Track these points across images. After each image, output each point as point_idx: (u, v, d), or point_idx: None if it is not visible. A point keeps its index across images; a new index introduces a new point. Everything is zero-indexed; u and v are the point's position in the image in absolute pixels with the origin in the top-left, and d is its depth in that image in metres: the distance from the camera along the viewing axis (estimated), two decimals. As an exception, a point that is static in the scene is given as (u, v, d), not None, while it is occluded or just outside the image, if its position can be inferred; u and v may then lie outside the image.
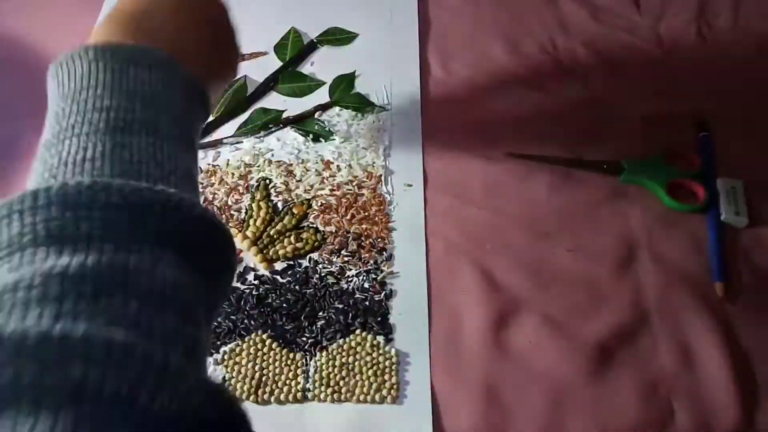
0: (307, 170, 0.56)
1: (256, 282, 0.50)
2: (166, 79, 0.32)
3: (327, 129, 0.59)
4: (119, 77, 0.31)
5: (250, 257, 0.51)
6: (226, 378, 0.46)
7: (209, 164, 0.57)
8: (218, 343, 0.47)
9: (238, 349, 0.47)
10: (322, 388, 0.45)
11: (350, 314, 0.48)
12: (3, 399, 0.18)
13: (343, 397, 0.45)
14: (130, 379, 0.19)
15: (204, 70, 0.36)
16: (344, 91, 0.62)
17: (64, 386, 0.19)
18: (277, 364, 0.46)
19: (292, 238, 0.52)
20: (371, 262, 0.51)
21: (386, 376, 0.45)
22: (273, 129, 0.59)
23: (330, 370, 0.46)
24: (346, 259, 0.51)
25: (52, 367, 0.19)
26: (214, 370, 0.46)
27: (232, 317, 0.48)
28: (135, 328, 0.22)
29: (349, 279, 0.50)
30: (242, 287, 0.50)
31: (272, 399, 0.45)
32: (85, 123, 0.28)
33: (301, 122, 0.60)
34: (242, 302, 0.49)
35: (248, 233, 0.52)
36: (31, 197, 0.23)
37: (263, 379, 0.46)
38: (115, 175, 0.26)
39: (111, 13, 0.36)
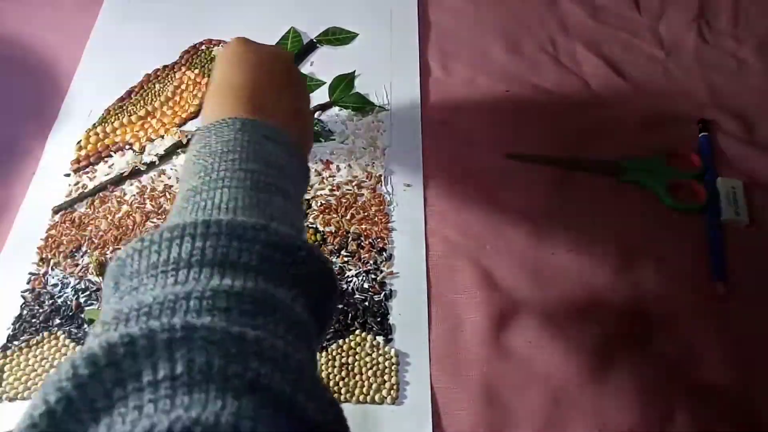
0: (307, 170, 0.56)
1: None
2: (289, 154, 0.38)
3: (326, 129, 0.59)
4: (258, 148, 0.36)
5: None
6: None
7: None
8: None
9: (237, 350, 0.47)
10: (322, 389, 0.45)
11: (350, 314, 0.48)
12: (196, 379, 0.21)
13: (342, 397, 0.44)
14: (291, 382, 0.23)
15: (304, 142, 0.43)
16: (344, 91, 0.62)
17: (244, 377, 0.22)
18: (276, 364, 0.46)
19: None
20: (371, 262, 0.50)
21: (386, 377, 0.45)
22: (272, 129, 0.59)
23: (330, 370, 0.45)
24: (345, 259, 0.51)
25: (234, 359, 0.22)
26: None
27: (231, 317, 0.48)
28: (288, 344, 0.25)
29: (349, 279, 0.50)
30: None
31: (272, 399, 0.45)
32: (233, 179, 0.33)
33: (301, 122, 0.60)
34: (242, 302, 0.49)
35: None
36: (203, 225, 0.27)
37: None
38: (263, 218, 0.30)
39: (222, 84, 0.43)
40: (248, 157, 0.34)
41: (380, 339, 0.47)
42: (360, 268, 0.50)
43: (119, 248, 0.52)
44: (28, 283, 0.50)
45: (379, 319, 0.48)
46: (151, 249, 0.27)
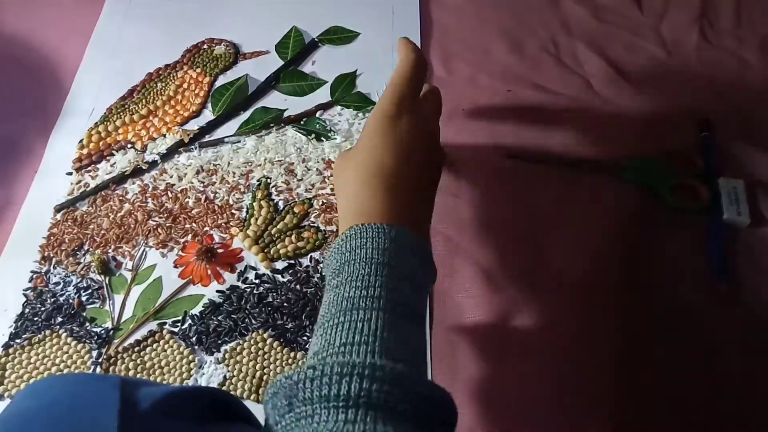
0: (308, 169, 0.56)
1: (257, 281, 0.50)
2: (424, 270, 0.39)
3: (328, 128, 0.59)
4: (407, 263, 0.37)
5: (251, 256, 0.51)
6: (227, 377, 0.46)
7: (210, 163, 0.57)
8: (219, 342, 0.47)
9: (239, 348, 0.47)
10: (323, 387, 0.45)
11: (351, 313, 0.48)
12: None
13: (343, 396, 0.44)
14: None
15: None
16: (345, 90, 0.62)
17: None
18: (278, 362, 0.46)
19: (293, 237, 0.52)
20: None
21: (387, 376, 0.45)
22: (274, 128, 0.59)
23: (331, 369, 0.45)
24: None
25: None
26: (215, 369, 0.46)
27: (233, 316, 0.48)
28: None
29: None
30: (243, 286, 0.50)
31: (273, 398, 0.45)
32: (389, 300, 0.35)
33: (303, 121, 0.60)
34: (243, 301, 0.49)
35: (249, 232, 0.52)
36: (370, 368, 0.30)
37: (264, 377, 0.46)
38: (407, 361, 0.33)
39: (373, 168, 0.41)
40: (400, 274, 0.37)
41: (381, 338, 0.47)
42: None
43: (121, 247, 0.52)
44: (30, 281, 0.50)
45: (380, 318, 0.48)
46: (323, 380, 0.30)
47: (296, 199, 0.54)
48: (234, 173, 0.56)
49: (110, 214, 0.54)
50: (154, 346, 0.47)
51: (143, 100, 0.62)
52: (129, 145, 0.58)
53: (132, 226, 0.53)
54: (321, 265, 0.39)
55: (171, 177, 0.56)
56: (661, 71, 0.63)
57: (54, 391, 0.32)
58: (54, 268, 0.51)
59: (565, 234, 0.52)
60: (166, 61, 0.65)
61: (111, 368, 0.46)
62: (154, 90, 0.62)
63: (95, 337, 0.47)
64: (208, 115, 0.61)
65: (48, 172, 0.57)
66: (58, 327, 0.48)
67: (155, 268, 0.51)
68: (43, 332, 0.48)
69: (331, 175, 0.56)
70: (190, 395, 0.34)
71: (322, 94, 0.62)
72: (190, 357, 0.46)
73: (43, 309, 0.49)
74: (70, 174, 0.57)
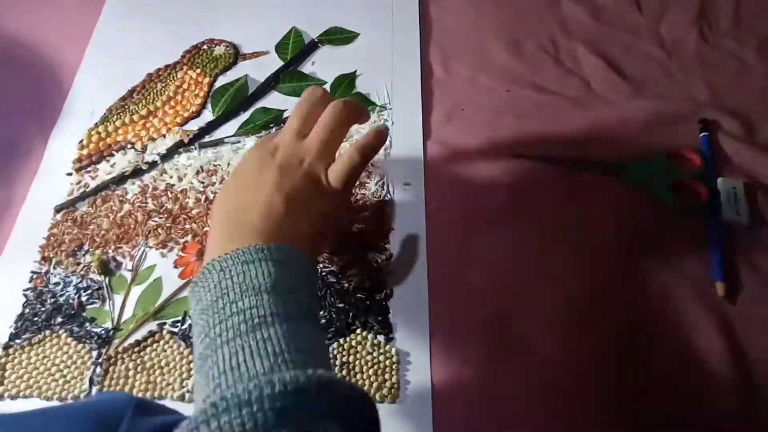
0: (308, 170, 0.56)
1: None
2: (286, 267, 0.38)
3: (328, 128, 0.59)
4: (243, 278, 0.36)
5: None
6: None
7: (210, 163, 0.57)
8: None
9: (238, 348, 0.47)
10: (323, 388, 0.45)
11: (350, 314, 0.48)
12: None
13: (343, 396, 0.44)
14: None
15: (312, 247, 0.42)
16: (345, 91, 0.62)
17: None
18: (277, 363, 0.46)
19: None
20: (372, 261, 0.51)
21: (386, 376, 0.45)
22: (274, 128, 0.59)
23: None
24: (346, 258, 0.51)
25: None
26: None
27: (232, 316, 0.48)
28: None
29: (350, 278, 0.50)
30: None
31: (273, 398, 0.45)
32: (228, 330, 0.34)
33: (302, 122, 0.60)
34: (243, 301, 0.49)
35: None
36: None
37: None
38: (267, 370, 0.31)
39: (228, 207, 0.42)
40: (235, 295, 0.35)
41: (381, 338, 0.47)
42: (361, 267, 0.50)
43: (121, 247, 0.52)
44: (30, 281, 0.50)
45: (379, 318, 0.48)
46: (227, 415, 0.28)
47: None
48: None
49: (110, 215, 0.54)
50: (154, 346, 0.47)
51: (143, 101, 0.62)
52: (129, 146, 0.58)
53: (132, 226, 0.53)
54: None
55: (171, 177, 0.56)
56: (660, 72, 0.63)
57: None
58: (54, 268, 0.51)
59: (565, 233, 0.52)
60: (166, 62, 0.65)
61: (111, 368, 0.46)
62: (154, 90, 0.62)
63: (95, 338, 0.47)
64: (207, 115, 0.61)
65: (48, 173, 0.57)
66: (58, 327, 0.48)
67: (155, 268, 0.51)
68: (43, 332, 0.48)
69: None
70: None
71: (322, 95, 0.62)
72: (190, 357, 0.47)
73: (43, 309, 0.49)
74: (70, 174, 0.57)
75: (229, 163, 0.57)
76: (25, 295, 0.50)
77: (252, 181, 0.42)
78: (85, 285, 0.50)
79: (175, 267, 0.51)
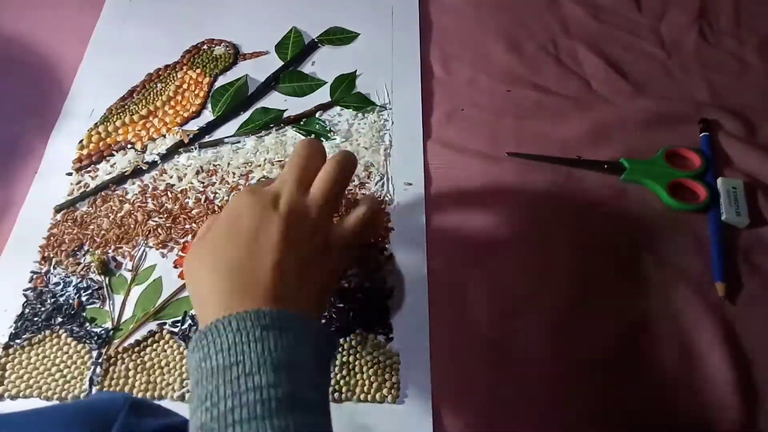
0: (308, 170, 0.56)
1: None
2: (300, 339, 0.35)
3: (328, 128, 0.59)
4: (262, 347, 0.33)
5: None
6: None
7: (210, 164, 0.57)
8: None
9: (238, 348, 0.47)
10: (323, 388, 0.45)
11: (351, 314, 0.48)
12: None
13: (343, 396, 0.45)
14: None
15: (320, 308, 0.41)
16: (345, 91, 0.62)
17: None
18: (277, 363, 0.46)
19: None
20: (372, 261, 0.51)
21: (387, 376, 0.45)
22: (274, 128, 0.59)
23: (330, 369, 0.46)
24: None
25: None
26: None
27: (232, 316, 0.48)
28: None
29: (350, 278, 0.50)
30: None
31: (273, 398, 0.45)
32: (242, 407, 0.31)
33: (302, 122, 0.60)
34: (243, 301, 0.49)
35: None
36: None
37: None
38: None
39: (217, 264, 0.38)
40: (252, 367, 0.32)
41: (381, 338, 0.47)
42: (361, 267, 0.50)
43: (121, 247, 0.52)
44: (30, 281, 0.50)
45: (379, 318, 0.48)
46: None
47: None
48: (234, 174, 0.56)
49: (110, 215, 0.54)
50: (154, 346, 0.47)
51: (143, 101, 0.62)
52: (129, 146, 0.58)
53: (132, 226, 0.53)
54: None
55: (171, 177, 0.56)
56: (660, 71, 0.63)
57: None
58: (54, 268, 0.51)
59: (564, 233, 0.52)
60: (165, 62, 0.65)
61: (111, 368, 0.46)
62: (154, 90, 0.62)
63: (95, 338, 0.47)
64: (207, 115, 0.61)
65: (48, 173, 0.57)
66: (58, 327, 0.48)
67: (155, 268, 0.51)
68: (43, 332, 0.48)
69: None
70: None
71: (322, 95, 0.62)
72: (190, 357, 0.46)
73: (43, 309, 0.49)
74: (70, 174, 0.57)
75: (228, 163, 0.57)
76: (25, 295, 0.50)
77: (254, 234, 0.38)
78: (85, 285, 0.50)
79: (175, 267, 0.51)
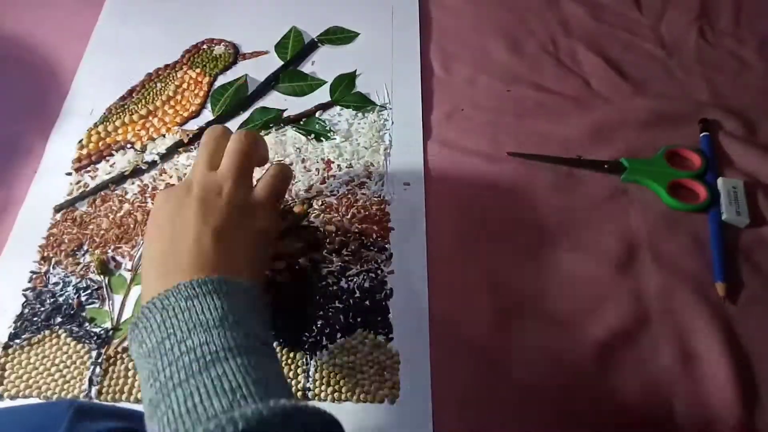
0: (308, 170, 0.56)
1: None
2: (230, 297, 0.36)
3: (327, 128, 0.59)
4: (189, 315, 0.34)
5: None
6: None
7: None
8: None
9: (238, 348, 0.47)
10: (323, 387, 0.45)
11: (350, 313, 0.48)
12: None
13: (343, 396, 0.44)
14: None
15: (252, 272, 0.41)
16: (345, 91, 0.62)
17: None
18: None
19: (292, 238, 0.52)
20: (372, 261, 0.50)
21: (386, 375, 0.45)
22: (273, 128, 0.59)
23: (330, 369, 0.46)
24: (346, 258, 0.51)
25: None
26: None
27: (232, 316, 0.48)
28: None
29: (350, 278, 0.50)
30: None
31: (272, 398, 0.45)
32: (179, 371, 0.32)
33: (302, 121, 0.60)
34: (243, 301, 0.49)
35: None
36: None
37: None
38: (226, 408, 0.30)
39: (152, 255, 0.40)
40: (182, 334, 0.33)
41: (381, 338, 0.47)
42: (361, 267, 0.50)
43: (120, 247, 0.52)
44: (29, 281, 0.50)
45: (379, 318, 0.48)
46: None
47: (295, 200, 0.54)
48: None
49: (110, 215, 0.54)
50: (154, 346, 0.47)
51: (143, 101, 0.62)
52: (128, 146, 0.58)
53: (131, 226, 0.53)
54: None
55: (171, 177, 0.56)
56: (660, 71, 0.63)
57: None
58: (53, 268, 0.51)
59: (565, 233, 0.52)
60: (165, 62, 0.65)
61: (110, 368, 0.46)
62: (154, 90, 0.62)
63: (95, 338, 0.47)
64: (207, 115, 0.61)
65: (47, 173, 0.57)
66: (57, 327, 0.48)
67: (155, 268, 0.51)
68: (42, 332, 0.48)
69: (332, 175, 0.56)
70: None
71: (322, 95, 0.62)
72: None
73: (42, 309, 0.49)
74: (69, 174, 0.57)
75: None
76: (25, 295, 0.49)
77: (172, 222, 0.40)
78: (84, 285, 0.50)
79: (175, 267, 0.51)
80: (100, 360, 0.46)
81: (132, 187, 0.56)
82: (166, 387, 0.31)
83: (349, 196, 0.54)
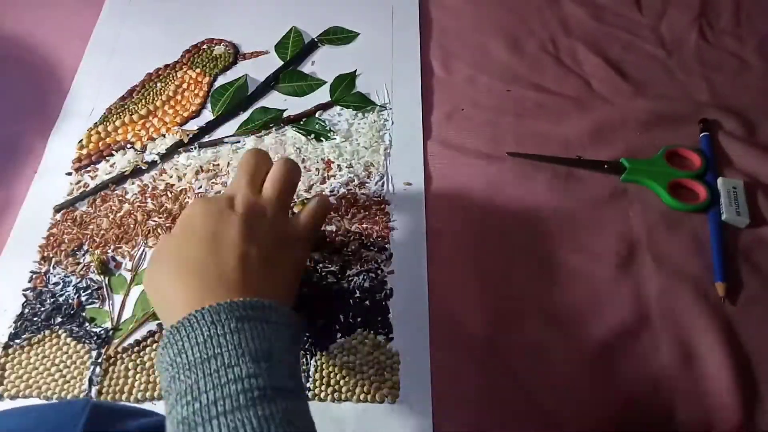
0: (308, 169, 0.56)
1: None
2: (276, 327, 0.35)
3: (327, 128, 0.59)
4: (239, 339, 0.33)
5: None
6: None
7: (209, 163, 0.57)
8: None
9: (238, 348, 0.47)
10: (323, 387, 0.45)
11: (351, 313, 0.48)
12: None
13: (343, 396, 0.44)
14: None
15: (288, 298, 0.41)
16: (345, 91, 0.62)
17: None
18: (277, 363, 0.46)
19: None
20: (372, 261, 0.51)
21: (387, 375, 0.45)
22: (273, 128, 0.59)
23: (330, 369, 0.46)
24: (346, 258, 0.51)
25: None
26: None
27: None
28: None
29: (350, 278, 0.50)
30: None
31: (272, 398, 0.45)
32: (225, 399, 0.31)
33: (302, 121, 0.60)
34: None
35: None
36: None
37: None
38: None
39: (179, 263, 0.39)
40: (230, 359, 0.32)
41: (381, 338, 0.47)
42: (361, 267, 0.50)
43: (120, 247, 0.52)
44: (29, 281, 0.50)
45: (379, 318, 0.48)
46: None
47: (295, 200, 0.54)
48: (234, 173, 0.56)
49: (110, 215, 0.54)
50: (154, 346, 0.47)
51: (143, 101, 0.62)
52: (128, 146, 0.58)
53: (131, 226, 0.53)
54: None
55: (170, 177, 0.56)
56: (660, 71, 0.63)
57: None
58: (53, 268, 0.51)
59: (565, 233, 0.52)
60: (165, 61, 0.65)
61: (110, 368, 0.46)
62: (154, 90, 0.62)
63: (95, 337, 0.47)
64: (207, 115, 0.61)
65: (47, 173, 0.57)
66: (57, 327, 0.48)
67: (155, 268, 0.51)
68: (42, 332, 0.48)
69: (332, 175, 0.56)
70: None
71: (322, 95, 0.62)
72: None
73: (42, 309, 0.49)
74: (69, 174, 0.57)
75: (228, 163, 0.57)
76: (25, 295, 0.49)
77: (212, 232, 0.39)
78: (84, 285, 0.50)
79: (175, 267, 0.51)
80: (100, 360, 0.46)
81: (132, 187, 0.56)
82: (207, 413, 0.30)
83: (349, 196, 0.54)
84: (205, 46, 0.66)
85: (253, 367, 0.32)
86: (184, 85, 0.63)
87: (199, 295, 0.36)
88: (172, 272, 0.39)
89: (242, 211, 0.41)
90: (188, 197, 0.55)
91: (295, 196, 0.54)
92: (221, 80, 0.63)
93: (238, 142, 0.58)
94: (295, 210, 0.53)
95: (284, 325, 0.36)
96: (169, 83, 0.63)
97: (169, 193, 0.55)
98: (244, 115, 0.60)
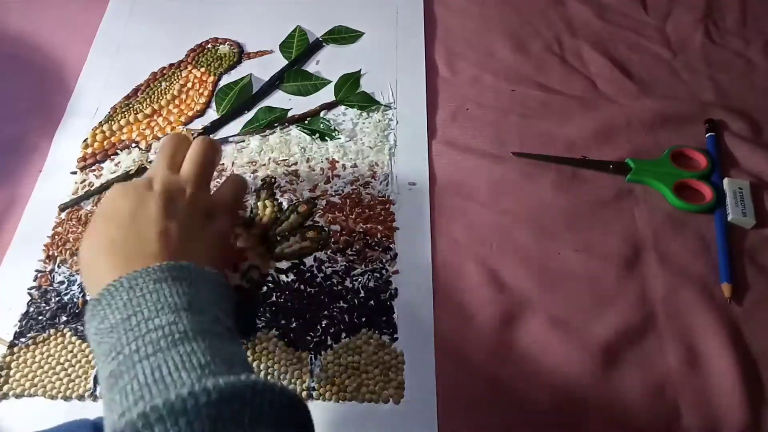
0: (313, 169, 0.56)
1: (261, 281, 0.50)
2: (197, 285, 0.37)
3: (332, 128, 0.59)
4: (158, 296, 0.35)
5: (255, 256, 0.51)
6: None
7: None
8: (223, 341, 0.47)
9: (243, 348, 0.47)
10: (328, 387, 0.45)
11: (355, 313, 0.48)
12: None
13: (348, 396, 0.44)
14: None
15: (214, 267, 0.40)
16: (350, 90, 0.62)
17: None
18: (282, 362, 0.46)
19: (297, 237, 0.52)
20: (376, 261, 0.50)
21: (391, 375, 0.45)
22: (278, 127, 0.59)
23: (335, 369, 0.46)
24: (351, 258, 0.51)
25: None
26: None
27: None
28: None
29: (354, 278, 0.50)
30: (247, 286, 0.50)
31: (277, 398, 0.45)
32: (146, 345, 0.32)
33: (307, 121, 0.60)
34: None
35: (253, 232, 0.52)
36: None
37: (268, 377, 0.46)
38: (195, 380, 0.30)
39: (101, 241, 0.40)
40: (150, 313, 0.33)
41: (385, 338, 0.47)
42: (365, 266, 0.50)
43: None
44: (34, 280, 0.50)
45: (384, 318, 0.48)
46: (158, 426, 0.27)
47: (300, 199, 0.54)
48: (238, 173, 0.56)
49: (114, 214, 0.54)
50: (159, 345, 0.47)
51: (147, 100, 0.62)
52: (133, 145, 0.58)
53: (136, 225, 0.53)
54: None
55: (175, 176, 0.56)
56: (666, 71, 0.63)
57: None
58: (58, 267, 0.51)
59: (570, 233, 0.52)
60: (170, 61, 0.65)
61: (115, 367, 0.46)
62: (159, 89, 0.62)
63: (100, 337, 0.47)
64: (212, 114, 0.61)
65: (52, 172, 0.57)
66: (62, 326, 0.48)
67: (159, 267, 0.51)
68: (47, 331, 0.48)
69: (336, 175, 0.56)
70: None
71: (327, 94, 0.62)
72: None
73: (47, 308, 0.49)
74: (74, 173, 0.57)
75: (233, 162, 0.57)
76: (30, 294, 0.50)
77: (131, 215, 0.40)
78: (89, 284, 0.50)
79: (180, 266, 0.51)
80: (105, 359, 0.46)
81: (137, 186, 0.56)
82: (131, 359, 0.31)
83: (354, 195, 0.54)
84: (209, 46, 0.66)
85: (172, 316, 0.33)
86: (189, 85, 0.63)
87: (118, 267, 0.37)
88: (95, 253, 0.40)
89: (160, 189, 0.42)
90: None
91: (297, 197, 0.54)
92: (226, 79, 0.63)
93: (243, 141, 0.58)
94: (300, 209, 0.53)
95: (203, 280, 0.37)
96: (174, 82, 0.63)
97: (173, 192, 0.55)
98: (249, 115, 0.60)
